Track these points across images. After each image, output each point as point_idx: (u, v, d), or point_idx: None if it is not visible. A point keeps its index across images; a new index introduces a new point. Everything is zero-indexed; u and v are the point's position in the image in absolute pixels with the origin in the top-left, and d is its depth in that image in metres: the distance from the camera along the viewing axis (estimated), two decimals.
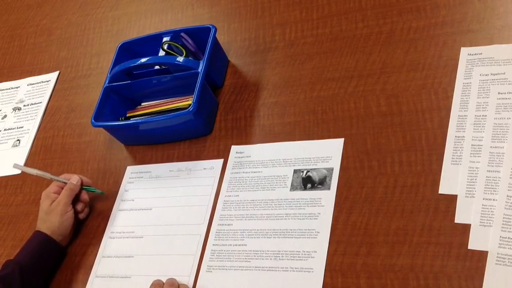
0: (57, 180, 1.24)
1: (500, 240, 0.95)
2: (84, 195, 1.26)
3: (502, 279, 0.92)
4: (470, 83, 1.12)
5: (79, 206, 1.25)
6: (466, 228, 0.98)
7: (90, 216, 1.28)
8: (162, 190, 1.25)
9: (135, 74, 1.36)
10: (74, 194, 1.23)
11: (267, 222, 1.12)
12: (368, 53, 1.25)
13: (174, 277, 1.10)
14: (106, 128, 1.35)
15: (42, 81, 1.60)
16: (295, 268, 1.05)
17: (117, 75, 1.33)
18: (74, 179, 1.24)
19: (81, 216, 1.26)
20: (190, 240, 1.16)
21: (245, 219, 1.14)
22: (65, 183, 1.24)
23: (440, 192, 1.03)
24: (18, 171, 1.44)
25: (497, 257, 0.93)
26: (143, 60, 1.30)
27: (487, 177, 1.01)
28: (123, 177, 1.31)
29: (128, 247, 1.20)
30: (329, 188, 1.11)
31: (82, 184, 1.25)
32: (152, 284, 1.09)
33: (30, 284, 1.14)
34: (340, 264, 1.03)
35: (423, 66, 1.18)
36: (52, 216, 1.20)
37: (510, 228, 0.95)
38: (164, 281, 1.09)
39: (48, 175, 1.25)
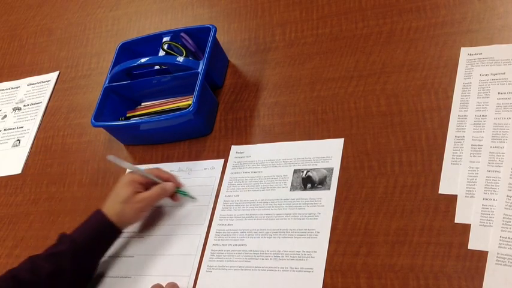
0: (151, 179, 1.17)
1: (500, 240, 0.95)
2: (177, 198, 1.21)
3: (502, 279, 0.92)
4: (470, 83, 1.12)
5: None
6: (466, 228, 0.98)
7: None
8: None
9: (135, 74, 1.36)
10: (162, 198, 1.18)
11: (267, 222, 1.12)
12: (368, 53, 1.25)
13: (174, 277, 1.10)
14: (106, 128, 1.35)
15: (42, 81, 1.60)
16: (295, 268, 1.05)
17: (117, 75, 1.33)
18: (170, 185, 1.18)
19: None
20: (191, 240, 1.16)
21: (245, 219, 1.14)
22: (157, 182, 1.18)
23: (440, 192, 1.03)
24: (18, 171, 1.44)
25: (497, 257, 0.93)
26: (143, 60, 1.30)
27: (487, 177, 1.01)
28: None
29: (128, 247, 1.20)
30: (329, 188, 1.11)
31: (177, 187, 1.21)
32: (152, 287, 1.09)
33: (81, 264, 1.11)
34: (340, 264, 1.03)
35: (423, 66, 1.18)
36: (128, 208, 1.13)
37: (510, 228, 0.95)
38: (164, 284, 1.09)
39: (140, 171, 1.17)
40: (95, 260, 1.15)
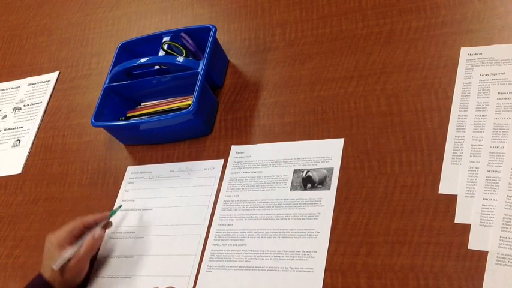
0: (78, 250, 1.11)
1: (500, 240, 0.95)
2: (109, 226, 1.20)
3: (502, 279, 0.92)
4: (470, 83, 1.12)
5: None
6: (466, 228, 0.98)
7: None
8: (163, 190, 1.25)
9: (135, 74, 1.36)
10: (98, 247, 1.15)
11: (267, 222, 1.12)
12: (368, 53, 1.25)
13: (174, 277, 1.10)
14: (106, 128, 1.35)
15: (42, 81, 1.60)
16: (295, 268, 1.05)
17: (117, 75, 1.33)
18: (97, 232, 1.13)
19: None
20: (191, 240, 1.16)
21: (245, 219, 1.14)
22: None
23: (440, 192, 1.03)
24: (18, 171, 1.44)
25: (497, 257, 0.93)
26: (143, 60, 1.30)
27: (487, 177, 1.01)
28: (124, 178, 1.31)
29: (128, 247, 1.20)
30: (329, 188, 1.11)
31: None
32: None
33: None
34: (340, 264, 1.03)
35: (423, 66, 1.18)
36: (67, 275, 1.09)
37: (510, 228, 0.95)
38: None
39: (68, 255, 1.10)
40: None
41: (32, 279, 1.12)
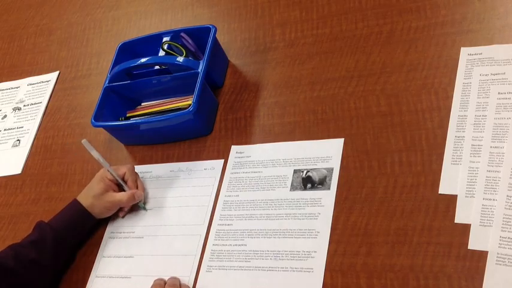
0: (117, 180, 1.22)
1: (500, 240, 0.95)
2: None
3: (502, 279, 0.92)
4: (470, 83, 1.12)
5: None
6: (466, 228, 0.98)
7: None
8: (163, 190, 1.25)
9: (135, 74, 1.36)
10: (130, 205, 1.23)
11: (267, 222, 1.12)
12: (368, 53, 1.25)
13: (176, 276, 1.10)
14: (106, 128, 1.35)
15: (42, 81, 1.60)
16: (295, 268, 1.05)
17: (117, 75, 1.33)
18: (139, 194, 1.22)
19: (121, 215, 1.25)
20: (191, 240, 1.16)
21: (245, 219, 1.14)
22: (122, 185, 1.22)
23: (440, 192, 1.03)
24: (18, 171, 1.44)
25: (497, 257, 0.93)
26: (143, 60, 1.30)
27: (487, 177, 1.01)
28: None
29: (128, 247, 1.20)
30: (329, 188, 1.11)
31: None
32: (153, 284, 1.09)
33: (60, 251, 1.17)
34: (340, 264, 1.03)
35: (423, 66, 1.18)
36: (97, 204, 1.19)
37: (510, 228, 0.95)
38: (166, 279, 1.10)
39: (109, 168, 1.21)
40: (72, 247, 1.21)
41: (69, 204, 1.21)
